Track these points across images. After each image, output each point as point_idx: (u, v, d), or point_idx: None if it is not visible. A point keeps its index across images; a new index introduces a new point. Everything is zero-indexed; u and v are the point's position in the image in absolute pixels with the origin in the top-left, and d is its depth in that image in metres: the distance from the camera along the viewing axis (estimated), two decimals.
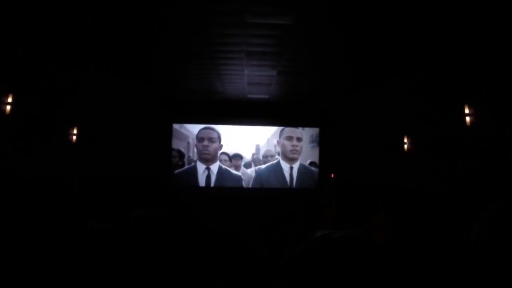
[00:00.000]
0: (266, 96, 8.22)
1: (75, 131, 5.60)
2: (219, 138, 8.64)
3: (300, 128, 9.02)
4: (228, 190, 8.79)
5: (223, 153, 8.67)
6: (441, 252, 1.29)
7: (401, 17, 3.98)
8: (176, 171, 8.56)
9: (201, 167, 8.43)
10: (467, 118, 4.34)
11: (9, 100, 4.17)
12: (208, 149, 8.41)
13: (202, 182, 8.43)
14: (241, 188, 8.79)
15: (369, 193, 1.88)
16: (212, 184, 8.48)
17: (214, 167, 8.46)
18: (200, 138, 8.48)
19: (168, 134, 9.00)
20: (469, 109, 4.34)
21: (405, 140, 5.83)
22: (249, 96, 8.21)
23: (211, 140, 8.44)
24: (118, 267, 1.66)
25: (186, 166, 8.44)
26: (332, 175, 8.86)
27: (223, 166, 8.59)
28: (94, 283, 1.52)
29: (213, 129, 8.67)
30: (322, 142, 9.16)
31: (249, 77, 6.71)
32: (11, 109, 4.18)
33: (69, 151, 5.47)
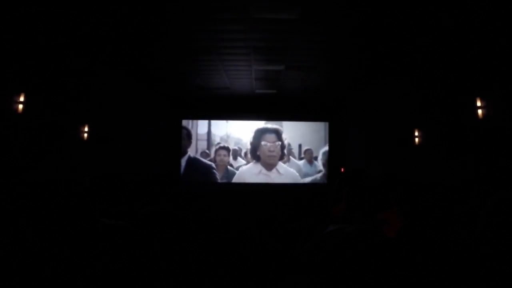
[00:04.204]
0: (274, 91, 8.20)
1: (86, 129, 5.66)
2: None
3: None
4: (237, 186, 8.82)
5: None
6: (451, 248, 1.27)
7: (412, 7, 3.91)
8: None
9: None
10: (479, 111, 4.27)
11: (21, 99, 4.22)
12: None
13: None
14: (249, 184, 8.81)
15: (380, 187, 1.87)
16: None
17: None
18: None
19: (177, 130, 9.05)
20: (481, 102, 4.27)
21: (416, 134, 5.76)
22: (257, 91, 8.19)
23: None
24: (129, 263, 1.68)
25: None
26: (342, 169, 8.83)
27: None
28: (105, 279, 1.54)
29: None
30: (332, 137, 9.12)
31: (256, 73, 6.69)
32: (23, 108, 4.24)
33: (80, 149, 5.53)
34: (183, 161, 8.94)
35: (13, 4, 3.82)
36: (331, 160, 9.04)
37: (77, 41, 5.00)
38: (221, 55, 5.70)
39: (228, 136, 9.03)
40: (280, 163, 8.89)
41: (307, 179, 8.94)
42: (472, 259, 1.14)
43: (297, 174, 8.90)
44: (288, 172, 8.88)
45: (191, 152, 8.99)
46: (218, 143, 8.97)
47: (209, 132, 9.02)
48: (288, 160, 8.97)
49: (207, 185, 8.90)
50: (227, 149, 8.92)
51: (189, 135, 8.99)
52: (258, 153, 8.89)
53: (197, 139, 9.00)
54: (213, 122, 9.08)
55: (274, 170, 8.81)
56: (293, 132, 9.07)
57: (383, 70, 6.35)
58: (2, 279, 1.30)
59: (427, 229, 1.64)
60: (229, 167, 8.92)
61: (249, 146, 8.91)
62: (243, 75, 6.94)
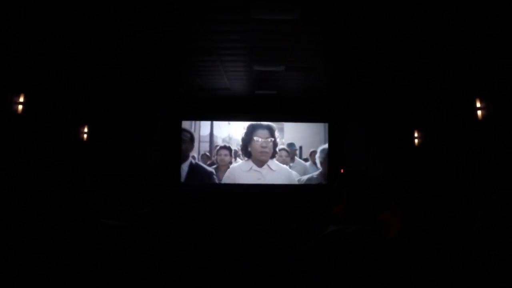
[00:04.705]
0: (274, 92, 8.20)
1: (86, 130, 5.67)
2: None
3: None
4: (236, 187, 8.82)
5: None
6: (450, 248, 1.27)
7: (412, 8, 3.92)
8: None
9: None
10: (479, 112, 4.28)
11: (21, 99, 4.22)
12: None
13: None
14: (249, 185, 8.81)
15: (379, 188, 1.87)
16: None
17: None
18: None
19: (177, 131, 9.05)
20: (481, 102, 4.27)
21: (415, 135, 5.77)
22: (257, 92, 8.20)
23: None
24: (129, 263, 1.68)
25: None
26: (342, 170, 8.83)
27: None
28: (105, 280, 1.54)
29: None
30: (331, 137, 9.12)
31: (256, 73, 6.69)
32: (23, 108, 4.24)
33: (80, 149, 5.53)
34: (185, 166, 8.90)
35: (13, 4, 3.82)
36: (330, 160, 9.04)
37: (77, 41, 5.00)
38: (221, 56, 5.70)
39: (230, 138, 9.02)
40: (273, 160, 8.82)
41: (304, 177, 8.93)
42: (472, 259, 1.14)
43: (291, 170, 8.88)
44: (280, 168, 8.81)
45: (193, 154, 9.00)
46: (217, 145, 9.00)
47: (211, 134, 9.03)
48: (293, 160, 8.96)
49: (207, 186, 8.89)
50: (228, 148, 8.90)
51: (192, 139, 8.99)
52: (249, 149, 8.81)
53: (199, 141, 9.00)
54: (215, 123, 9.07)
55: (265, 166, 8.74)
56: (294, 133, 9.08)
57: (383, 70, 6.35)
58: (2, 279, 1.30)
59: (427, 230, 1.65)
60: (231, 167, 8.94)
61: (240, 143, 8.85)
62: (243, 76, 6.94)
